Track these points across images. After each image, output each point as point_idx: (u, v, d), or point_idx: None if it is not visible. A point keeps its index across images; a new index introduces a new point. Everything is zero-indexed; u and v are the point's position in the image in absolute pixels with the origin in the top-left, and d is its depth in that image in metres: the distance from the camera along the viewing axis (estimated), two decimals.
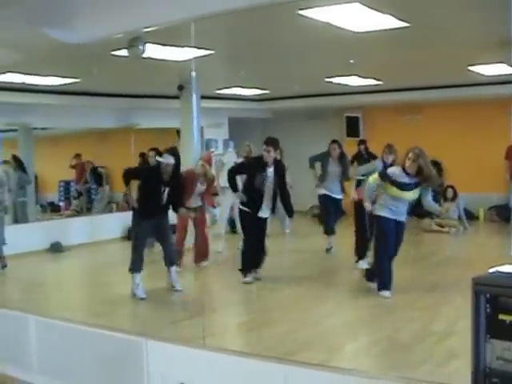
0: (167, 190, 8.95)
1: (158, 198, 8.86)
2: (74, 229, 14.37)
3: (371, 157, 15.94)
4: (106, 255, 13.56)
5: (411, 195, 8.39)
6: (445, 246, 12.99)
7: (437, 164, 16.55)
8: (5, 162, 13.89)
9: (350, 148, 16.28)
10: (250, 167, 9.73)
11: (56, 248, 13.39)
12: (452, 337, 6.35)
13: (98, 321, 7.25)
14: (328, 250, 11.64)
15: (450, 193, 14.73)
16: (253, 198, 9.34)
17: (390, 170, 8.50)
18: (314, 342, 6.48)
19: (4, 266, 11.11)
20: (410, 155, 8.27)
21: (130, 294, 8.83)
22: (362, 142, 16.09)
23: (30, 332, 7.09)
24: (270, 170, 9.41)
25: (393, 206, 8.37)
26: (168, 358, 5.85)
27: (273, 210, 9.71)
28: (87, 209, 17.82)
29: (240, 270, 9.45)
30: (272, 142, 9.63)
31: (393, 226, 8.40)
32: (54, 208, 18.58)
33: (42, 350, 7.02)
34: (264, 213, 9.45)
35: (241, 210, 9.65)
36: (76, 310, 8.29)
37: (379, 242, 8.53)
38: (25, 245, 12.46)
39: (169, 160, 8.92)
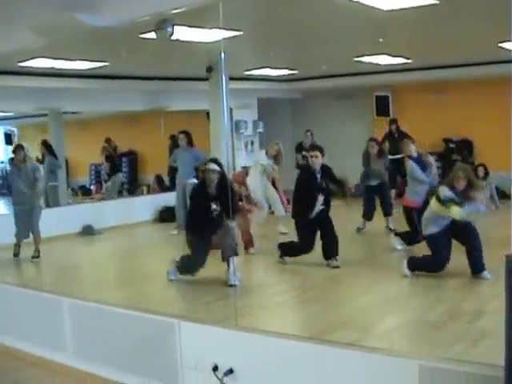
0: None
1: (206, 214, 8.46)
2: (106, 212, 14.44)
3: (403, 136, 15.92)
4: (138, 238, 13.64)
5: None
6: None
7: (468, 142, 16.48)
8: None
9: (380, 127, 16.27)
10: (302, 181, 9.61)
11: (88, 231, 13.47)
12: (485, 316, 6.32)
13: (131, 303, 7.28)
14: (359, 229, 11.75)
15: (481, 171, 14.60)
16: (305, 205, 9.29)
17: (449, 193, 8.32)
18: (347, 321, 6.48)
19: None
20: (460, 174, 8.17)
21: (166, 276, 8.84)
22: (393, 121, 16.05)
23: (65, 315, 7.17)
24: (319, 177, 9.35)
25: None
26: (201, 340, 5.89)
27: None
28: (119, 192, 17.89)
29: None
30: (317, 148, 9.59)
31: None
32: (85, 191, 18.73)
33: (76, 332, 7.10)
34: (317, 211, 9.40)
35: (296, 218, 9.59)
36: (110, 292, 8.33)
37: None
38: (57, 228, 12.55)
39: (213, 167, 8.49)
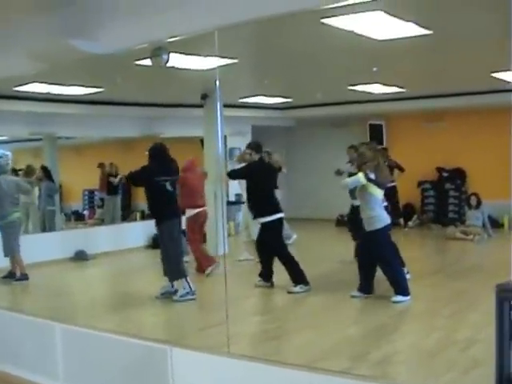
0: None
1: None
2: (99, 237, 14.45)
3: (393, 165, 15.98)
4: (130, 263, 13.61)
5: None
6: (469, 253, 12.93)
7: (461, 171, 16.56)
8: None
9: None
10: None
11: (81, 256, 13.47)
12: (476, 344, 6.32)
13: (123, 328, 7.28)
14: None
15: (473, 200, 14.68)
16: None
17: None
18: (337, 350, 6.48)
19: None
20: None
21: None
22: (383, 149, 16.12)
23: (56, 339, 7.14)
24: None
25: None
26: (193, 366, 5.87)
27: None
28: (111, 218, 17.89)
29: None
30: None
31: None
32: (78, 217, 18.70)
33: (67, 357, 7.07)
34: None
35: None
36: (101, 318, 8.32)
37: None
38: (50, 253, 12.56)
39: None
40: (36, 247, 11.28)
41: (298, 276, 9.36)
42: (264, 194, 9.68)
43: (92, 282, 11.97)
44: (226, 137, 16.00)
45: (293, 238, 13.56)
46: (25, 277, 10.94)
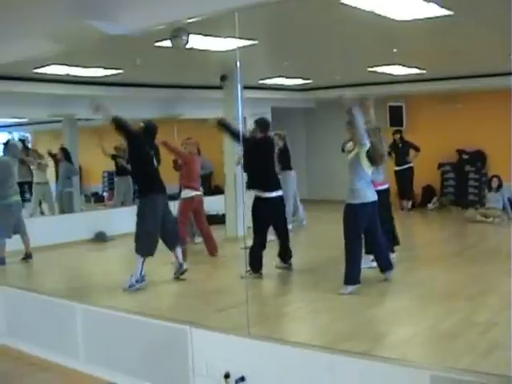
0: None
1: None
2: (118, 219, 14.48)
3: (407, 145, 15.96)
4: None
5: None
6: (489, 236, 12.87)
7: (481, 153, 16.47)
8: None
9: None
10: None
11: (100, 237, 13.53)
12: (495, 327, 6.30)
13: (142, 308, 7.31)
14: None
15: (494, 182, 14.60)
16: None
17: None
18: (356, 332, 6.47)
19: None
20: None
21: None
22: (397, 131, 16.14)
23: (77, 320, 7.20)
24: None
25: None
26: (213, 346, 5.90)
27: None
28: (132, 199, 17.94)
29: None
30: None
31: None
32: (97, 198, 18.77)
33: (88, 338, 7.12)
34: None
35: None
36: (121, 298, 8.35)
37: None
38: (70, 235, 12.63)
39: None
40: (55, 229, 11.32)
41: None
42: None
43: (112, 263, 12.02)
44: (245, 118, 15.99)
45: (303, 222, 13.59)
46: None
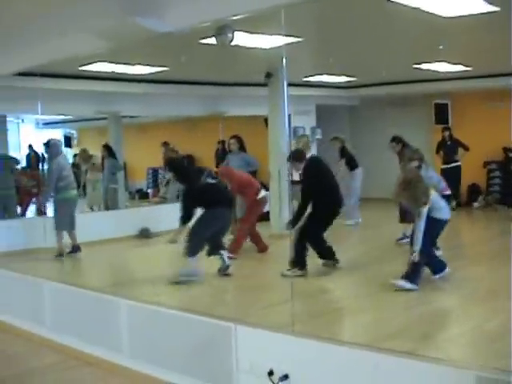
0: None
1: None
2: (163, 215, 14.56)
3: (456, 143, 15.81)
4: None
5: None
6: None
7: None
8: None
9: (439, 135, 16.15)
10: None
11: (144, 234, 13.59)
12: None
13: (186, 306, 7.33)
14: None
15: None
16: None
17: None
18: (402, 331, 6.43)
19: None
20: None
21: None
22: (447, 128, 15.98)
23: (122, 316, 7.24)
24: None
25: None
26: (257, 344, 5.89)
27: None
28: (176, 196, 18.02)
29: None
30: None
31: None
32: (142, 195, 18.90)
33: (132, 333, 7.16)
34: None
35: None
36: (165, 295, 8.38)
37: None
38: (114, 231, 12.73)
39: None
40: (101, 225, 11.42)
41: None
42: None
43: (156, 260, 12.06)
44: (290, 116, 15.99)
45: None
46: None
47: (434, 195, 8.27)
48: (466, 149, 15.79)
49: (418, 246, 7.97)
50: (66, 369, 7.48)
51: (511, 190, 16.49)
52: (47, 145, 11.25)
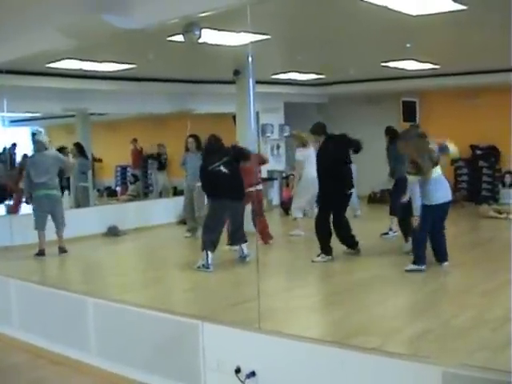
0: None
1: None
2: (131, 213, 14.54)
3: None
4: (162, 239, 13.64)
5: None
6: (502, 232, 12.80)
7: (495, 149, 16.41)
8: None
9: None
10: None
11: (113, 232, 13.54)
12: (509, 323, 6.26)
13: (154, 303, 7.31)
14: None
15: (508, 179, 14.58)
16: None
17: None
18: (369, 326, 6.45)
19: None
20: None
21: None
22: (415, 127, 16.08)
23: (89, 314, 7.21)
24: None
25: None
26: (224, 341, 5.90)
27: None
28: (144, 194, 18.02)
29: None
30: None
31: None
32: (110, 193, 18.80)
33: (100, 332, 7.14)
34: None
35: None
36: (133, 293, 8.35)
37: None
38: (83, 229, 12.66)
39: None
40: (69, 223, 11.34)
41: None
42: None
43: (124, 258, 12.05)
44: (258, 113, 15.99)
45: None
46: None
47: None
48: None
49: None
50: (34, 368, 7.45)
51: (478, 187, 16.62)
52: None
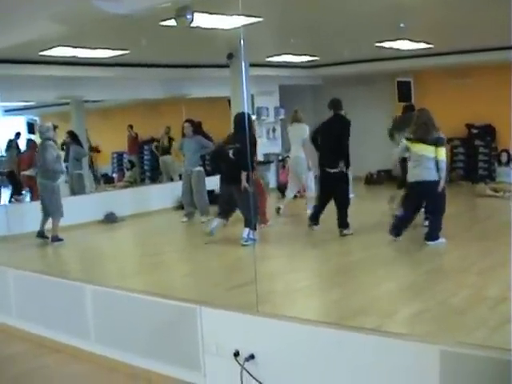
0: None
1: None
2: (128, 199, 14.53)
3: None
4: (159, 224, 13.65)
5: None
6: (499, 210, 12.80)
7: (490, 128, 16.39)
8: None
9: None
10: None
11: (110, 218, 13.54)
12: (506, 302, 6.27)
13: (153, 289, 7.31)
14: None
15: (504, 157, 14.58)
16: None
17: None
18: (367, 307, 6.46)
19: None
20: None
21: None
22: (410, 106, 16.09)
23: (87, 301, 7.21)
24: None
25: None
26: (222, 325, 5.90)
27: None
28: (141, 179, 18.01)
29: None
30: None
31: None
32: (107, 180, 18.80)
33: (98, 318, 7.14)
34: None
35: None
36: (131, 279, 8.37)
37: None
38: (80, 216, 12.65)
39: None
40: (66, 210, 11.33)
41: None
42: None
43: (122, 244, 12.05)
44: (252, 96, 15.95)
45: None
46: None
47: None
48: None
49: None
50: (34, 357, 7.45)
51: (475, 166, 16.62)
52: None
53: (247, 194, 9.99)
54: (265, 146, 16.53)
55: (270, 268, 8.36)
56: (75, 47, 10.90)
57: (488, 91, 15.75)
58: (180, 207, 13.92)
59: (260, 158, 16.41)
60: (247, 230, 9.98)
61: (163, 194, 15.09)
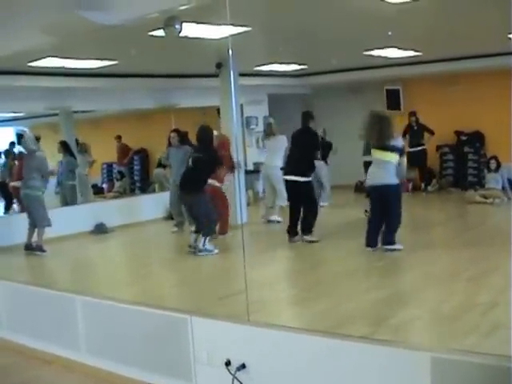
0: None
1: None
2: (118, 210, 14.50)
3: (422, 128, 16.05)
4: (149, 235, 13.64)
5: None
6: (489, 217, 12.85)
7: (479, 134, 16.46)
8: None
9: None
10: None
11: (100, 229, 13.51)
12: (497, 308, 6.29)
13: (143, 299, 7.30)
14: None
15: (493, 163, 14.61)
16: None
17: None
18: (358, 315, 6.47)
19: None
20: None
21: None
22: (413, 113, 16.25)
23: (78, 312, 7.19)
24: None
25: None
26: (213, 335, 5.90)
27: None
28: (131, 190, 17.98)
29: None
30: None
31: None
32: (97, 190, 18.76)
33: (89, 329, 7.12)
34: None
35: None
36: (122, 289, 8.36)
37: None
38: (70, 226, 12.61)
39: None
40: (56, 221, 11.30)
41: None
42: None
43: (112, 255, 12.03)
44: (242, 105, 15.96)
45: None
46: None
47: None
48: (432, 133, 16.13)
49: None
50: (24, 369, 7.42)
51: (464, 173, 16.67)
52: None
53: (202, 202, 10.24)
54: (254, 155, 16.51)
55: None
56: (64, 58, 10.88)
57: (476, 98, 15.82)
58: (170, 217, 13.90)
59: (250, 167, 16.44)
60: (203, 238, 10.15)
61: (153, 205, 15.06)
